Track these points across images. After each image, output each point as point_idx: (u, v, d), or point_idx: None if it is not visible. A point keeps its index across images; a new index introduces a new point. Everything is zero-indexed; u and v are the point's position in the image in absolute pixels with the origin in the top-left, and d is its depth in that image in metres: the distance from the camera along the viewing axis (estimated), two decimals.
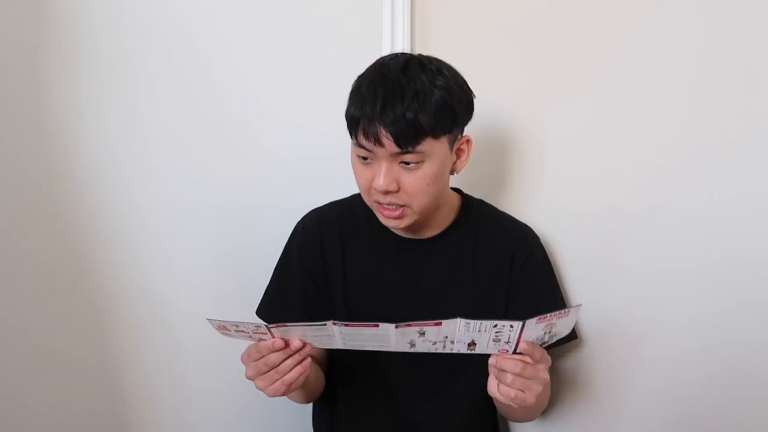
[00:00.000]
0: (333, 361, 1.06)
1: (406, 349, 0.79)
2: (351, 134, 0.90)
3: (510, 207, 1.12)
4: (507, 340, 0.78)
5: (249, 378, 0.83)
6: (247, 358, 0.83)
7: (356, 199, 1.06)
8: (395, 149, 0.85)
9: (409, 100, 0.84)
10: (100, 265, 1.03)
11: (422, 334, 0.76)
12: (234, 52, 1.12)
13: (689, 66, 0.88)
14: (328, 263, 1.03)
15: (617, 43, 0.98)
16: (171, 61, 1.07)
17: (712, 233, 0.87)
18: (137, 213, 1.05)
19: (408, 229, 0.99)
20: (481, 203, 1.08)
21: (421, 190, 0.89)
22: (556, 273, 1.05)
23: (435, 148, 0.88)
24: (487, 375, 0.84)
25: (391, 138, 0.84)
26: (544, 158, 1.10)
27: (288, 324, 0.79)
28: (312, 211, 1.06)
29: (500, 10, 1.16)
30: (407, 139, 0.84)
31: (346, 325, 0.76)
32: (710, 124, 0.86)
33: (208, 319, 0.79)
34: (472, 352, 0.79)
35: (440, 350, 0.79)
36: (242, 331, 0.80)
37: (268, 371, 0.81)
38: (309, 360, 0.84)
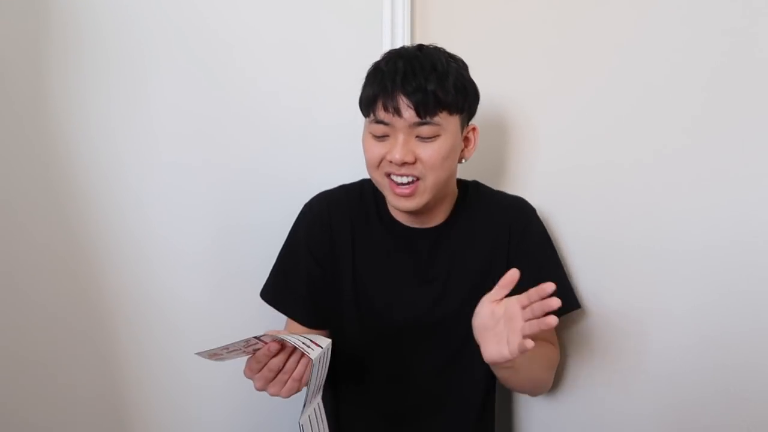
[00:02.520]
0: (335, 358, 1.04)
1: None
2: (368, 113, 0.92)
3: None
4: None
5: (260, 389, 0.81)
6: (250, 372, 0.81)
7: (365, 184, 1.05)
8: (414, 119, 0.87)
9: (428, 73, 0.87)
10: (100, 256, 1.02)
11: None
12: (234, 47, 1.13)
13: (688, 60, 0.91)
14: (337, 248, 1.01)
15: (614, 40, 1.01)
16: (171, 52, 1.07)
17: (711, 221, 0.89)
18: (137, 203, 1.04)
19: (415, 216, 0.97)
20: (475, 184, 1.08)
21: (437, 163, 0.90)
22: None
23: (450, 124, 0.90)
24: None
25: (412, 107, 0.86)
26: (543, 148, 1.12)
27: (279, 333, 0.78)
28: (320, 193, 1.05)
29: (498, 8, 1.18)
30: (426, 108, 0.87)
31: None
32: (710, 114, 0.89)
33: (196, 353, 0.76)
34: None
35: None
36: (234, 350, 0.78)
37: (276, 376, 0.80)
38: None
